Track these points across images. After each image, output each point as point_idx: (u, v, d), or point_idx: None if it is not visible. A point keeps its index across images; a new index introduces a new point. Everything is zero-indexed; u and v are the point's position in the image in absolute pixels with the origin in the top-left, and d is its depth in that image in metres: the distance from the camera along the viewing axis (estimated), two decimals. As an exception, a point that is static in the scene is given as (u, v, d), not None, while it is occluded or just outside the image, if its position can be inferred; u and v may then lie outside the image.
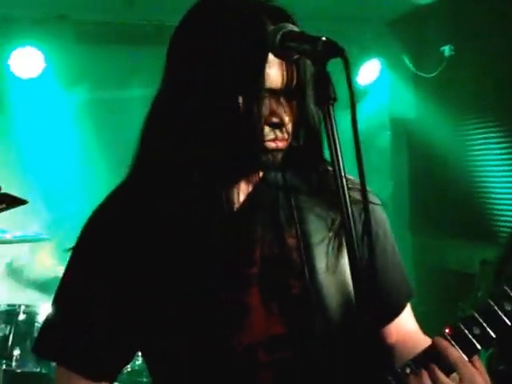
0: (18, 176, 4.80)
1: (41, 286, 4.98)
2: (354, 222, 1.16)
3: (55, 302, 1.49)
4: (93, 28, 5.09)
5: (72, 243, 4.44)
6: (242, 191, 1.44)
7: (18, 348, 4.02)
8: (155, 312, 1.40)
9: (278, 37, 1.28)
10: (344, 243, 1.41)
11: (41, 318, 4.06)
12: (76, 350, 1.44)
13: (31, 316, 4.07)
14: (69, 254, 1.51)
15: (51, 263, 4.75)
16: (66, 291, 1.48)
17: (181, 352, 1.40)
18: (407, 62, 5.53)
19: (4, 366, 4.03)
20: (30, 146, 5.02)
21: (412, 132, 5.70)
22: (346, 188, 1.16)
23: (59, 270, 4.64)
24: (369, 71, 5.53)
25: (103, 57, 5.05)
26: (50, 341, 1.48)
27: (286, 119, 1.38)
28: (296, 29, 1.32)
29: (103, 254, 1.44)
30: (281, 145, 1.39)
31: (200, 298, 1.38)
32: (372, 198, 1.51)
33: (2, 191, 1.61)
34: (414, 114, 5.64)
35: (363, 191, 1.17)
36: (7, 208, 1.66)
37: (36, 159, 4.99)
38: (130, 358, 1.51)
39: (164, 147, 1.42)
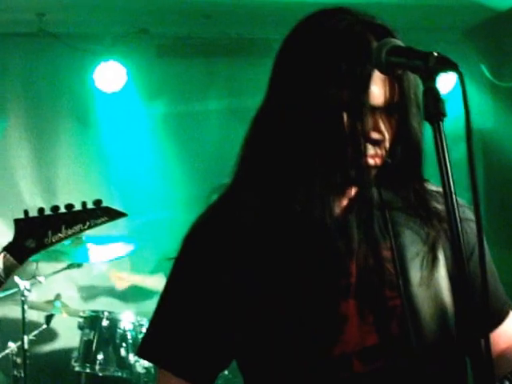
0: (101, 187, 4.97)
1: (119, 294, 5.15)
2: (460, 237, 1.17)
3: (160, 308, 1.54)
4: (172, 42, 5.23)
5: (150, 252, 4.56)
6: (338, 205, 1.47)
7: (101, 353, 4.17)
8: (255, 320, 1.44)
9: (384, 53, 1.28)
10: (438, 257, 1.45)
11: (123, 325, 4.20)
12: (177, 355, 1.49)
13: (114, 322, 4.22)
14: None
15: (129, 272, 4.89)
16: (170, 298, 1.53)
17: (278, 360, 1.44)
18: (485, 70, 5.46)
19: (88, 370, 4.18)
20: (113, 158, 5.20)
21: (488, 142, 5.61)
22: (455, 206, 1.18)
23: (135, 279, 4.79)
24: (445, 81, 5.48)
25: (182, 70, 5.19)
26: (153, 345, 1.54)
27: (386, 136, 1.40)
28: (401, 43, 1.33)
29: (207, 263, 1.48)
30: (378, 161, 1.41)
31: (299, 308, 1.41)
32: (469, 212, 1.53)
33: (104, 205, 1.69)
34: (491, 124, 5.55)
35: (476, 209, 1.19)
36: (108, 221, 1.73)
37: (118, 170, 5.16)
38: (226, 365, 1.55)
39: (266, 161, 1.45)
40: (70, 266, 4.30)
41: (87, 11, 4.82)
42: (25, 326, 4.15)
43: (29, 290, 4.06)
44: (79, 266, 4.32)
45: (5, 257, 1.64)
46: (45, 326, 4.40)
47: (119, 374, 4.16)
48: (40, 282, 4.08)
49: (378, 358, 1.42)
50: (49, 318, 4.36)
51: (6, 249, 1.64)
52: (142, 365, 4.09)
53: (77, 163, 5.18)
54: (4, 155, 5.17)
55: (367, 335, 1.42)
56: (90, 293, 5.10)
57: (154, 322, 1.55)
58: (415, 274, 1.45)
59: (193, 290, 1.49)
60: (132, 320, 4.23)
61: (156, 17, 4.95)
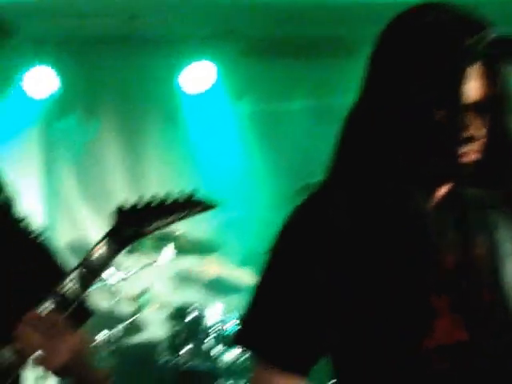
0: (189, 185, 5.05)
1: (206, 288, 5.25)
2: None
3: (257, 298, 1.55)
4: (258, 41, 5.30)
5: (235, 249, 4.60)
6: (431, 202, 1.47)
7: (187, 345, 4.27)
8: (348, 320, 1.46)
9: (483, 44, 1.29)
10: None
11: (210, 318, 4.30)
12: (275, 343, 1.50)
13: (201, 315, 4.33)
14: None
15: (216, 266, 4.97)
16: (268, 289, 1.54)
17: (369, 357, 1.46)
18: None
19: (174, 361, 4.30)
20: (200, 157, 5.32)
21: None
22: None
23: (224, 271, 4.86)
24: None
25: (267, 69, 5.24)
26: (250, 333, 1.56)
27: (480, 133, 1.39)
28: (503, 35, 1.32)
29: (304, 260, 1.49)
30: (472, 158, 1.41)
31: (391, 306, 1.42)
32: None
33: (197, 196, 1.75)
34: None
35: None
36: (201, 211, 1.79)
37: (205, 169, 5.27)
38: (317, 360, 1.55)
39: (359, 160, 1.47)
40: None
41: (176, 13, 4.94)
42: (115, 317, 4.30)
43: (120, 282, 4.20)
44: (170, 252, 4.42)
45: (103, 246, 1.71)
46: (133, 318, 4.55)
47: (204, 366, 4.26)
48: (131, 274, 4.21)
49: (466, 355, 1.42)
50: (138, 310, 4.50)
51: (105, 238, 1.71)
52: (226, 358, 4.16)
53: (165, 162, 5.34)
54: (96, 155, 5.38)
55: (458, 331, 1.42)
56: (178, 286, 5.23)
57: (251, 311, 1.56)
58: (510, 271, 1.45)
59: (291, 284, 1.50)
60: (219, 314, 4.33)
61: (243, 17, 5.02)
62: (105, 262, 1.69)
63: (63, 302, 1.68)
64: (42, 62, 5.08)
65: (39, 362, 1.66)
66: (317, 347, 1.53)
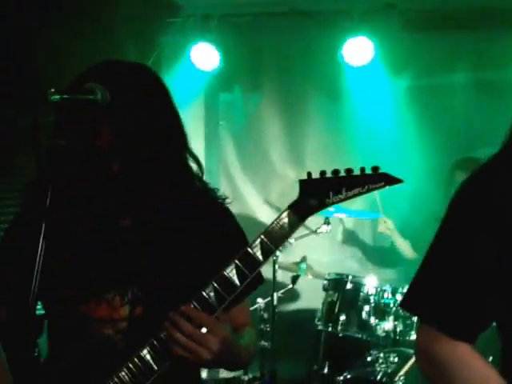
0: (348, 158, 5.12)
1: (361, 259, 5.32)
2: None
3: (428, 265, 1.60)
4: (419, 15, 5.23)
5: (392, 221, 4.55)
6: None
7: (343, 314, 4.37)
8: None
9: None
10: None
11: (366, 289, 4.37)
12: (444, 311, 1.55)
13: (357, 286, 4.40)
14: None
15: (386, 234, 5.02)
16: (438, 258, 1.59)
17: None
18: None
19: (329, 329, 4.41)
20: (359, 131, 5.36)
21: None
22: None
23: (395, 233, 4.88)
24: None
25: (428, 43, 5.17)
26: (418, 299, 1.61)
27: None
28: None
29: (474, 228, 1.52)
30: None
31: None
32: None
33: (380, 171, 1.75)
34: None
35: None
36: (385, 186, 1.76)
37: (364, 143, 5.30)
38: (485, 327, 1.58)
39: None
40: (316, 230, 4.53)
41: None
42: (275, 284, 4.46)
43: (280, 251, 4.35)
44: (327, 223, 4.52)
45: (289, 214, 1.76)
46: (290, 286, 4.70)
47: (359, 335, 4.34)
48: (290, 244, 4.34)
49: None
50: (295, 279, 4.64)
51: (291, 207, 1.76)
52: (382, 328, 4.23)
53: (325, 136, 5.43)
54: (258, 128, 5.55)
55: None
56: (333, 257, 5.33)
57: (421, 278, 1.61)
58: None
59: (461, 254, 1.54)
60: (375, 285, 4.37)
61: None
62: (287, 233, 1.72)
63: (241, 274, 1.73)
64: (205, 37, 5.28)
65: (192, 355, 1.72)
66: (483, 315, 1.55)
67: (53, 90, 1.57)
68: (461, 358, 1.56)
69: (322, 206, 1.73)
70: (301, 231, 4.49)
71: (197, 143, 5.47)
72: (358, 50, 5.07)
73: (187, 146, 1.95)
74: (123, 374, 1.75)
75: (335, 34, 5.15)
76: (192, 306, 1.73)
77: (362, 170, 1.72)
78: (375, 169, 1.73)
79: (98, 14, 4.66)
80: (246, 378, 4.55)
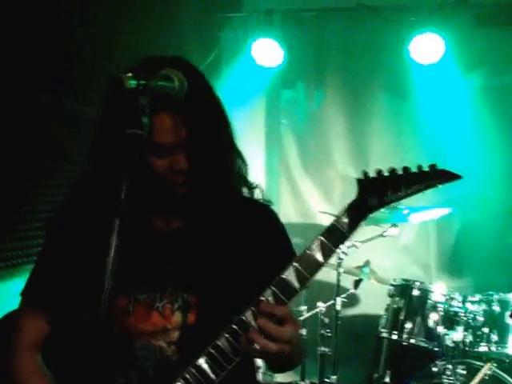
0: (413, 159, 4.89)
1: (427, 265, 5.14)
2: None
3: None
4: (491, 10, 5.02)
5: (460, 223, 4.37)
6: None
7: (409, 321, 4.20)
8: None
9: None
10: None
11: (434, 296, 4.19)
12: None
13: (425, 293, 4.22)
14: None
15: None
16: None
17: None
18: None
19: (394, 337, 4.24)
20: (427, 131, 5.16)
21: None
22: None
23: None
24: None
25: (502, 40, 4.97)
26: None
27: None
28: None
29: None
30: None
31: None
32: None
33: (438, 168, 1.72)
34: None
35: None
36: (444, 182, 1.74)
37: (431, 143, 5.10)
38: None
39: None
40: (383, 233, 4.37)
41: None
42: (339, 287, 4.33)
43: (346, 254, 4.21)
44: (395, 225, 4.35)
45: (349, 214, 1.69)
46: (353, 290, 4.55)
47: (426, 344, 4.16)
48: (356, 247, 4.20)
49: None
50: (357, 283, 4.49)
51: (350, 206, 1.69)
52: (450, 338, 4.03)
53: (389, 135, 5.26)
54: (320, 126, 5.43)
55: None
56: (396, 261, 5.16)
57: None
58: None
59: None
60: (443, 292, 4.19)
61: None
62: (347, 232, 1.68)
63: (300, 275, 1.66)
64: (268, 32, 5.17)
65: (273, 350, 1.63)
66: None
67: (129, 74, 1.47)
68: None
69: (381, 204, 1.70)
70: (367, 234, 4.35)
71: (257, 142, 5.43)
72: (426, 46, 4.87)
73: (235, 144, 1.88)
74: None
75: (403, 30, 4.97)
76: (250, 312, 1.64)
77: (420, 167, 1.69)
78: (433, 166, 1.70)
79: (160, 10, 4.61)
80: (303, 383, 4.45)
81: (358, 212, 1.69)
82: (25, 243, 3.40)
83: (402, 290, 4.29)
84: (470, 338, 4.07)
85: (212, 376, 1.65)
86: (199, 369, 1.65)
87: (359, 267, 4.53)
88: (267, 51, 5.19)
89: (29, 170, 3.41)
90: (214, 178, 1.76)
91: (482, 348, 4.02)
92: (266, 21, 5.19)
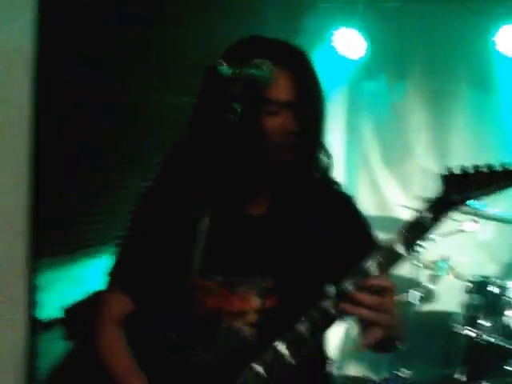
0: (496, 156, 4.80)
1: (507, 263, 5.03)
2: None
3: None
4: None
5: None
6: None
7: (486, 319, 4.15)
8: None
9: None
10: None
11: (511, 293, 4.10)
12: None
13: (504, 290, 4.15)
14: None
15: None
16: None
17: None
18: None
19: (470, 334, 4.18)
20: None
21: None
22: None
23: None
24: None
25: None
26: None
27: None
28: None
29: None
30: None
31: None
32: None
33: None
34: None
35: None
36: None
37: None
38: None
39: None
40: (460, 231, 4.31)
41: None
42: (412, 281, 4.30)
43: (423, 247, 4.16)
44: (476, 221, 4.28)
45: (431, 209, 1.68)
46: (428, 285, 4.50)
47: (502, 343, 4.09)
48: (434, 241, 4.15)
49: None
50: (434, 278, 4.44)
51: (433, 201, 1.69)
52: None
53: (473, 130, 5.12)
54: (402, 119, 5.35)
55: None
56: (474, 257, 5.06)
57: None
58: None
59: None
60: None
61: None
62: (429, 227, 1.67)
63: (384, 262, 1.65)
64: (351, 23, 5.14)
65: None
66: None
67: (221, 61, 1.52)
68: None
69: (463, 201, 1.69)
70: (447, 229, 4.29)
71: (337, 133, 5.41)
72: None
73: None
74: (258, 367, 1.69)
75: (488, 21, 4.84)
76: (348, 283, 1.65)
77: (504, 165, 1.67)
78: None
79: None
80: (375, 378, 4.44)
81: (441, 208, 1.68)
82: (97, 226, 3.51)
83: (481, 286, 4.22)
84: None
85: (291, 360, 1.66)
86: (277, 353, 1.67)
87: (435, 262, 4.48)
88: (350, 42, 5.17)
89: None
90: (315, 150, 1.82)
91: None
92: (349, 11, 5.17)
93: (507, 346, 4.08)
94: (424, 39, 5.20)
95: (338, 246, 1.83)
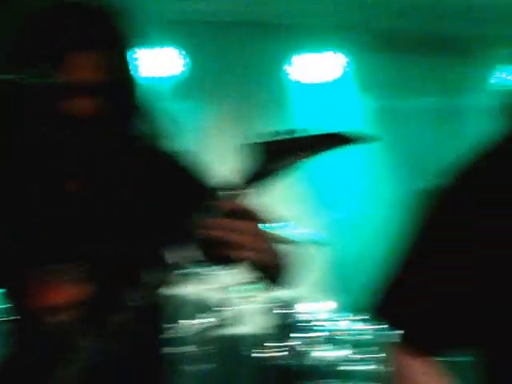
0: (300, 183, 4.92)
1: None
2: None
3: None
4: (389, 36, 5.10)
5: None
6: None
7: (277, 341, 4.15)
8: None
9: None
10: None
11: (302, 316, 4.20)
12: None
13: (291, 312, 4.21)
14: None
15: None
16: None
17: None
18: None
19: (260, 356, 4.18)
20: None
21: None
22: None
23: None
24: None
25: (396, 65, 5.06)
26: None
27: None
28: None
29: None
30: None
31: None
32: None
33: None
34: None
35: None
36: (337, 146, 1.55)
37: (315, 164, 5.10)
38: None
39: None
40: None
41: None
42: (205, 305, 4.24)
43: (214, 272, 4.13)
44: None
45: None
46: (224, 308, 4.47)
47: (293, 364, 4.14)
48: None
49: None
50: (229, 300, 4.42)
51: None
52: (315, 358, 4.05)
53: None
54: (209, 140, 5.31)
55: None
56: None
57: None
58: None
59: None
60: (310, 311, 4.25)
61: (375, 10, 4.89)
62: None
63: None
64: (168, 43, 5.18)
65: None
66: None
67: None
68: None
69: (267, 172, 1.48)
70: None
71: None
72: (319, 65, 5.10)
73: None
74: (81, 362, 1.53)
75: (296, 47, 5.12)
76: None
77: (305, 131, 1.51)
78: (328, 128, 1.51)
79: None
80: None
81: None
82: None
83: (271, 309, 4.26)
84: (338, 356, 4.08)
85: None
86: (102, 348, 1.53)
87: (232, 285, 4.44)
88: (166, 61, 5.16)
89: None
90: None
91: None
92: (166, 31, 5.15)
93: (298, 367, 4.12)
94: (235, 62, 5.26)
95: (162, 209, 1.63)
